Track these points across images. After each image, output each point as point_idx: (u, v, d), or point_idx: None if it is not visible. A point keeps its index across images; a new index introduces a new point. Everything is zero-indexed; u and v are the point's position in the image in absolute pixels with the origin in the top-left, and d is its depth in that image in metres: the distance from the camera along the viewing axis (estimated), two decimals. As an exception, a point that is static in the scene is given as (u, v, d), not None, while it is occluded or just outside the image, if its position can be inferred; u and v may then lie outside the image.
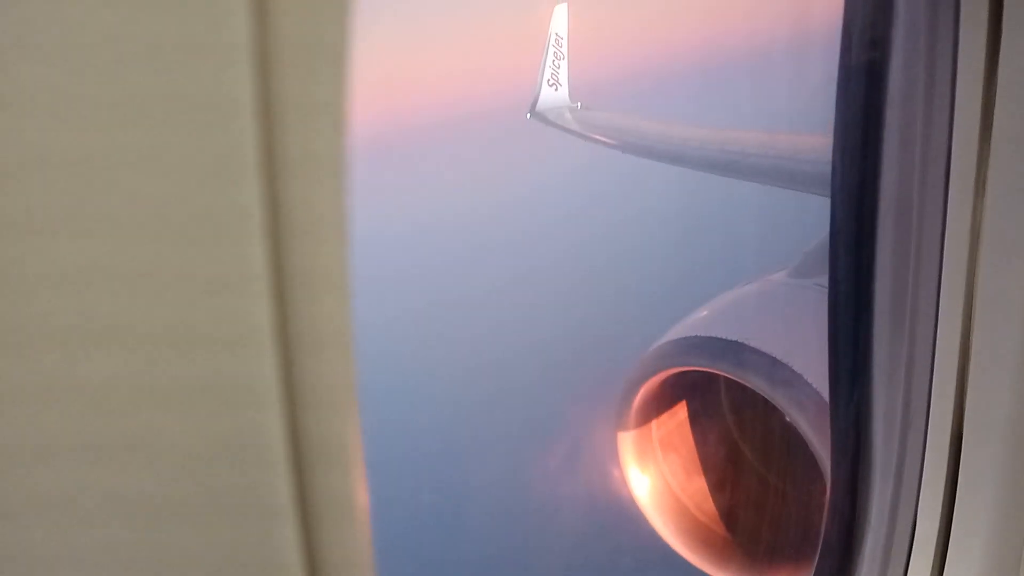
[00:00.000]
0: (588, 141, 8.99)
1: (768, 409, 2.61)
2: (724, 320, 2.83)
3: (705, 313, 2.98)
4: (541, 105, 10.24)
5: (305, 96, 0.44)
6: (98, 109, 0.42)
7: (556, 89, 10.37)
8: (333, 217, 0.46)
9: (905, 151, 1.28)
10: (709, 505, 3.04)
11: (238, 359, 0.46)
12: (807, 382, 2.45)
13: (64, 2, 0.41)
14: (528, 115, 10.36)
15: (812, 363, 2.46)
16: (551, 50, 10.59)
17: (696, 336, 2.82)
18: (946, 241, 1.25)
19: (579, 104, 10.26)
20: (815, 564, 1.62)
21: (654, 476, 3.05)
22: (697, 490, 3.05)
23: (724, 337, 2.71)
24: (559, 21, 10.85)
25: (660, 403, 3.01)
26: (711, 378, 2.85)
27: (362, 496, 0.51)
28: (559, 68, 10.48)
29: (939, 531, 1.33)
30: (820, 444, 2.37)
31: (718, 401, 3.04)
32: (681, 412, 3.07)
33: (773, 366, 2.54)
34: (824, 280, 1.51)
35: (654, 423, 3.04)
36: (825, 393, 1.70)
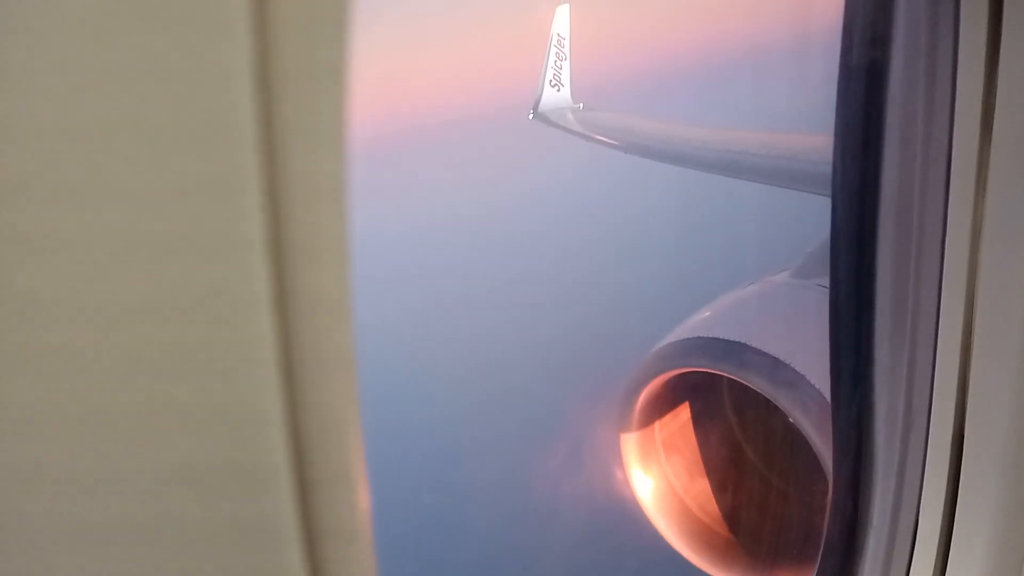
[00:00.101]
0: (590, 141, 9.00)
1: (770, 410, 2.60)
2: (726, 321, 2.83)
3: (707, 314, 2.98)
4: (543, 106, 10.25)
5: (307, 111, 0.44)
6: (98, 125, 0.42)
7: (558, 90, 10.38)
8: (335, 232, 0.46)
9: (906, 150, 1.28)
10: (712, 506, 3.04)
11: (239, 377, 0.45)
12: (809, 383, 2.45)
13: (63, 19, 0.41)
14: (530, 116, 10.37)
15: (814, 364, 2.46)
16: (553, 51, 10.60)
17: (698, 337, 2.82)
18: (947, 240, 1.24)
19: (581, 104, 10.27)
20: (817, 564, 1.62)
21: (657, 477, 3.05)
22: (700, 491, 3.05)
23: (726, 338, 2.72)
24: (561, 21, 10.86)
25: (663, 404, 3.01)
26: (713, 379, 2.85)
27: (365, 513, 0.51)
28: (561, 69, 10.49)
29: (941, 531, 1.33)
30: (822, 444, 2.37)
31: (720, 402, 3.04)
32: (684, 413, 3.07)
33: (775, 367, 2.54)
34: (826, 280, 1.51)
35: (657, 424, 3.04)
36: (827, 393, 1.70)
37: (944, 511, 1.32)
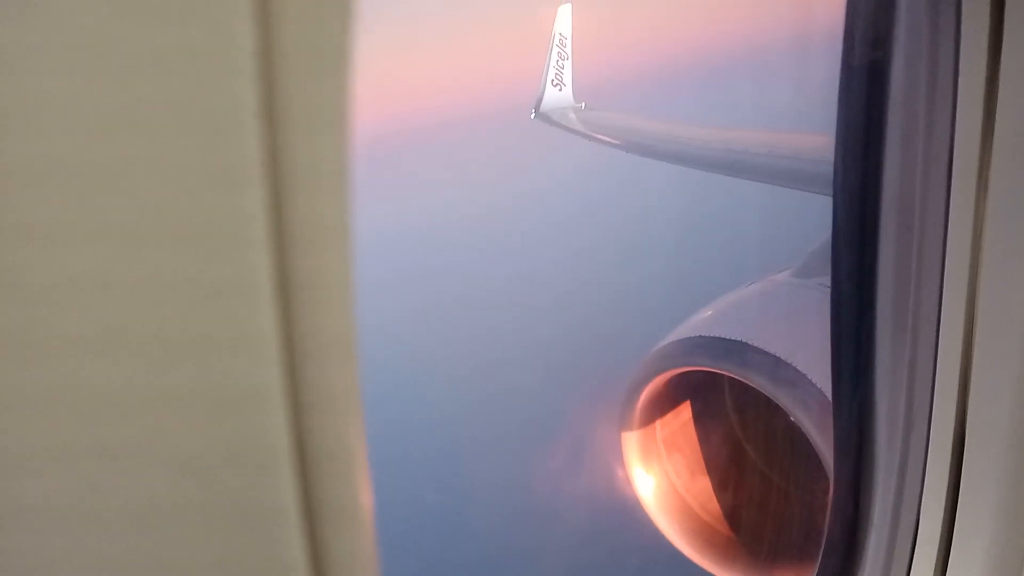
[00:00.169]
0: (592, 141, 8.99)
1: (772, 409, 2.60)
2: (728, 320, 2.83)
3: (709, 313, 2.98)
4: (545, 105, 10.26)
5: (309, 102, 0.44)
6: (101, 116, 0.42)
7: (560, 89, 10.38)
8: (337, 222, 0.46)
9: (907, 150, 1.28)
10: (713, 505, 3.04)
11: (242, 363, 0.46)
12: (811, 382, 2.45)
13: (67, 9, 0.41)
14: (532, 115, 10.38)
15: (815, 363, 2.46)
16: (555, 50, 10.60)
17: (700, 336, 2.81)
18: (948, 240, 1.24)
19: (583, 104, 10.27)
20: (818, 564, 1.62)
21: (658, 476, 3.05)
22: (701, 490, 3.05)
23: (728, 337, 2.71)
24: (563, 21, 10.86)
25: (664, 403, 3.01)
26: (715, 378, 2.85)
27: (367, 497, 0.51)
28: (563, 68, 10.49)
29: (942, 531, 1.33)
30: (823, 444, 2.37)
31: (722, 401, 3.04)
32: (685, 412, 3.07)
33: (777, 366, 2.54)
34: (827, 280, 1.51)
35: (658, 423, 3.04)
36: (828, 393, 1.70)
37: (945, 511, 1.32)
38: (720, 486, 3.04)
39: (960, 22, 1.16)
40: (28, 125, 0.42)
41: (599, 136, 8.88)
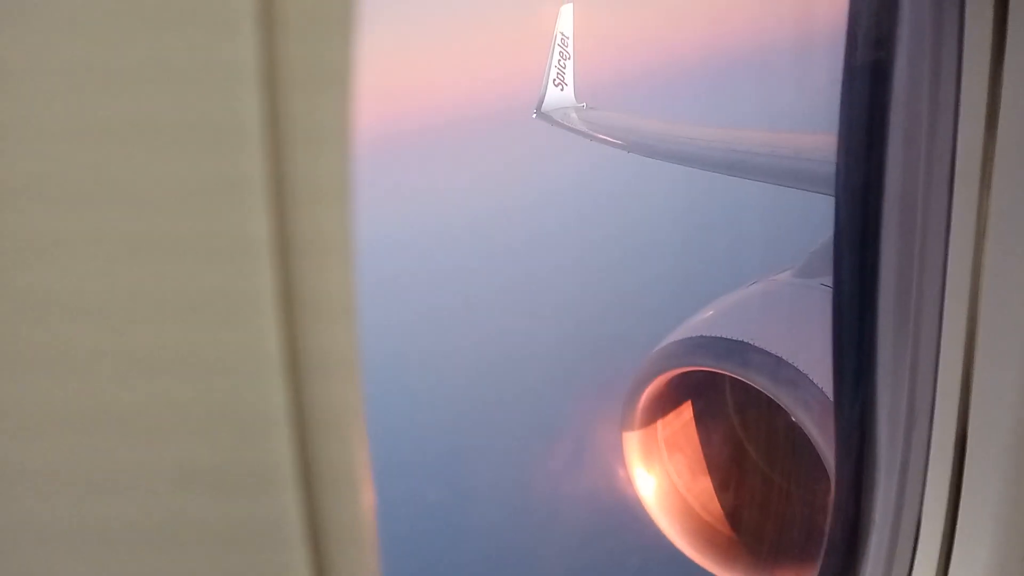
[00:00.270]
0: (594, 141, 8.99)
1: (773, 409, 2.60)
2: (729, 320, 2.83)
3: (710, 313, 2.98)
4: (547, 105, 10.25)
5: (312, 113, 0.44)
6: (104, 128, 0.42)
7: (562, 89, 10.37)
8: (341, 233, 0.46)
9: (910, 150, 1.28)
10: (714, 505, 3.04)
11: (245, 378, 0.46)
12: (812, 382, 2.45)
13: (69, 21, 0.41)
14: (534, 115, 10.37)
15: (817, 363, 2.45)
16: (557, 50, 10.60)
17: (701, 336, 2.81)
18: (951, 240, 1.24)
19: (585, 104, 10.26)
20: (820, 563, 1.62)
21: (659, 476, 3.05)
22: (702, 490, 3.05)
23: (729, 337, 2.71)
24: (565, 21, 10.85)
25: (665, 403, 3.01)
26: (716, 378, 2.85)
27: (370, 513, 0.51)
28: (565, 68, 10.49)
29: (944, 530, 1.33)
30: (825, 444, 2.36)
31: (723, 401, 3.03)
32: (686, 412, 3.07)
33: (778, 366, 2.54)
34: (829, 280, 1.51)
35: (659, 423, 3.04)
36: (830, 392, 1.70)
37: (947, 510, 1.32)
38: (721, 486, 3.04)
39: (963, 22, 1.16)
40: (29, 133, 0.42)
41: (601, 136, 8.88)
